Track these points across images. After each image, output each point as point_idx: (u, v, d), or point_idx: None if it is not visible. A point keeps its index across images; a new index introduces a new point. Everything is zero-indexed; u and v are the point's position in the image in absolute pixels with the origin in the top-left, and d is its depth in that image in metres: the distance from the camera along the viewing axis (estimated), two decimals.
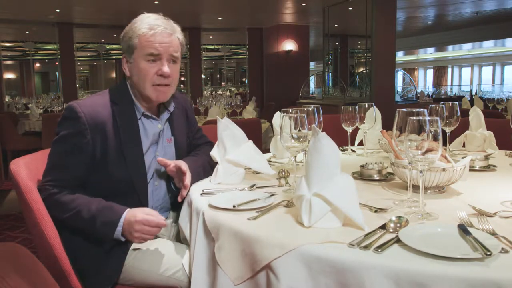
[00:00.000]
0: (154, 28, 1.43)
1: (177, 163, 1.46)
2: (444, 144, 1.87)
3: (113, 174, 1.41)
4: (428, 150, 1.12)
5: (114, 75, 19.57)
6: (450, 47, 17.03)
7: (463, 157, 1.47)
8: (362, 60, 7.87)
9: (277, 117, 1.91)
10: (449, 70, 20.83)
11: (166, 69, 1.44)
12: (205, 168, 1.60)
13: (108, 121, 1.41)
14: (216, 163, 1.56)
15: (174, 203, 1.64)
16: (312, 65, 17.01)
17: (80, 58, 16.74)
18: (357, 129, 2.13)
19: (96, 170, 1.41)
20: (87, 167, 1.39)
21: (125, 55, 1.49)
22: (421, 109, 1.18)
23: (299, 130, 1.34)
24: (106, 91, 1.51)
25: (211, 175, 1.57)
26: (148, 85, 1.44)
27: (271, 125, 2.46)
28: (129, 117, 1.46)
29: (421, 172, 1.16)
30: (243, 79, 20.07)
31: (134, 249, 1.41)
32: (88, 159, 1.38)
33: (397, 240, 0.95)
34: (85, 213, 1.32)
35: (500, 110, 5.00)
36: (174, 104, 1.61)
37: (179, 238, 1.50)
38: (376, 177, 1.54)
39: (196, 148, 1.71)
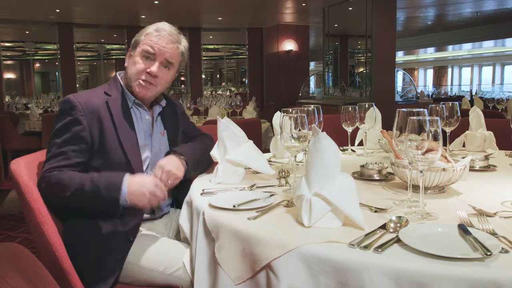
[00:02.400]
0: (160, 31, 1.53)
1: (159, 164, 1.47)
2: (444, 144, 1.87)
3: (112, 158, 1.45)
4: (428, 150, 1.12)
5: (114, 75, 19.55)
6: (450, 47, 17.03)
7: (463, 157, 1.47)
8: (362, 60, 7.87)
9: (277, 117, 1.91)
10: (449, 70, 20.82)
11: (154, 68, 1.50)
12: (201, 150, 1.63)
13: (102, 109, 1.47)
14: (216, 163, 1.56)
15: (176, 204, 1.65)
16: (312, 65, 17.01)
17: (80, 58, 16.74)
18: (357, 129, 2.13)
19: (96, 156, 1.44)
20: (86, 153, 1.43)
21: (131, 48, 1.58)
22: (421, 109, 1.18)
23: (299, 130, 1.34)
24: (99, 86, 1.59)
25: (209, 159, 1.59)
26: (134, 78, 1.52)
27: (271, 125, 2.46)
28: (122, 105, 1.53)
29: (421, 172, 1.16)
30: (243, 79, 20.07)
31: (135, 247, 1.41)
32: (86, 145, 1.42)
33: (397, 240, 0.95)
34: (88, 184, 1.34)
35: (500, 110, 5.00)
36: (166, 102, 1.68)
37: (179, 237, 1.50)
38: (376, 177, 1.54)
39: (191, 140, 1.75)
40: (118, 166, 1.44)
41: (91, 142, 1.43)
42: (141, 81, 1.51)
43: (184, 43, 1.60)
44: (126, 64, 1.58)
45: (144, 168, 1.53)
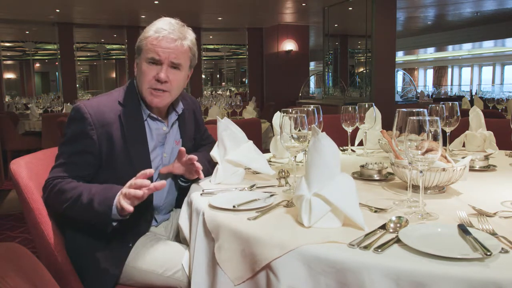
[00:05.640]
0: (159, 31, 1.42)
1: (190, 156, 1.45)
2: (444, 144, 1.87)
3: (120, 173, 1.41)
4: (428, 150, 1.12)
5: (114, 75, 19.57)
6: (450, 47, 17.03)
7: (463, 157, 1.47)
8: (362, 60, 7.87)
9: (277, 117, 1.91)
10: (449, 70, 20.83)
11: (162, 74, 1.42)
12: (210, 161, 1.60)
13: (114, 121, 1.42)
14: (216, 163, 1.56)
15: (176, 204, 1.65)
16: (312, 65, 17.01)
17: (80, 58, 16.74)
18: (357, 129, 2.13)
19: (104, 168, 1.42)
20: (93, 167, 1.41)
21: (136, 55, 1.50)
22: (421, 109, 1.18)
23: (299, 130, 1.34)
24: (114, 91, 1.52)
25: (214, 167, 1.56)
26: (145, 88, 1.45)
27: (271, 125, 2.46)
28: (135, 119, 1.47)
29: (421, 172, 1.16)
30: (243, 79, 20.07)
31: (135, 249, 1.41)
32: (95, 159, 1.40)
33: (397, 240, 0.95)
34: (85, 196, 1.29)
35: (500, 110, 5.00)
36: (184, 106, 1.61)
37: (179, 238, 1.50)
38: (376, 177, 1.54)
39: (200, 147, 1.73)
40: (126, 180, 1.39)
41: (99, 156, 1.40)
42: (152, 91, 1.44)
43: (190, 36, 1.49)
44: (135, 73, 1.51)
45: (154, 180, 1.50)
